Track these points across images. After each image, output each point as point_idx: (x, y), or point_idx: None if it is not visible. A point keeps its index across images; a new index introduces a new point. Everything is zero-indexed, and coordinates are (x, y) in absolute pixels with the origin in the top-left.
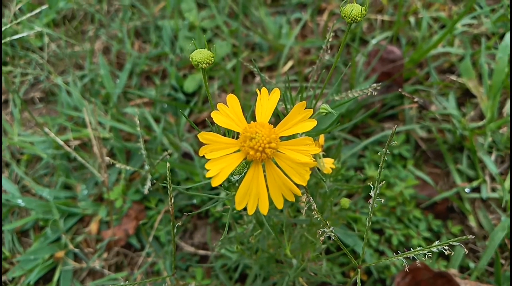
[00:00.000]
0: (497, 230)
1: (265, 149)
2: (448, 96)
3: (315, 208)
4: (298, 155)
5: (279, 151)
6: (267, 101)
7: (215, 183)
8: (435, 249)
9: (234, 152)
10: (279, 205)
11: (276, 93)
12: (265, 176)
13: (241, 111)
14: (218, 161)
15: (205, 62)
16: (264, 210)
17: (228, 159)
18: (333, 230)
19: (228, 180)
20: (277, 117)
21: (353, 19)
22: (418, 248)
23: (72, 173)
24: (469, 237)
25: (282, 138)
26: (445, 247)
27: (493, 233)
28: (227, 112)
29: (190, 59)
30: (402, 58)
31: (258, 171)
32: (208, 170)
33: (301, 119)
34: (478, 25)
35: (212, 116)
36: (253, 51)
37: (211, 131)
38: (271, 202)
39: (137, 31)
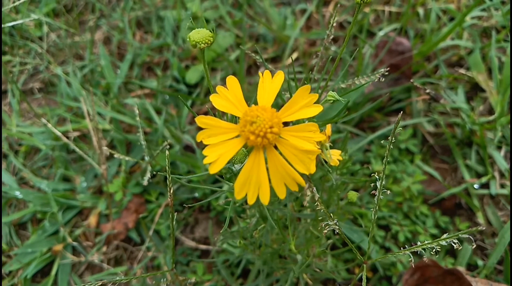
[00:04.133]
0: (507, 227)
1: (266, 134)
2: (457, 90)
3: (318, 199)
4: (302, 142)
5: (282, 137)
6: (270, 84)
7: (213, 170)
8: (444, 242)
9: (234, 137)
10: (281, 194)
11: (280, 76)
12: (266, 163)
13: (241, 94)
14: (217, 147)
15: (203, 42)
16: (265, 199)
17: (228, 145)
18: (338, 224)
19: (230, 170)
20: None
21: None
22: (426, 242)
23: (71, 165)
24: (479, 228)
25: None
26: (454, 241)
27: (503, 230)
28: (226, 95)
29: (188, 39)
30: (411, 50)
31: (259, 158)
32: (205, 156)
33: (305, 104)
34: (488, 17)
35: (211, 99)
36: (257, 42)
37: None
38: (272, 191)
39: (138, 21)
